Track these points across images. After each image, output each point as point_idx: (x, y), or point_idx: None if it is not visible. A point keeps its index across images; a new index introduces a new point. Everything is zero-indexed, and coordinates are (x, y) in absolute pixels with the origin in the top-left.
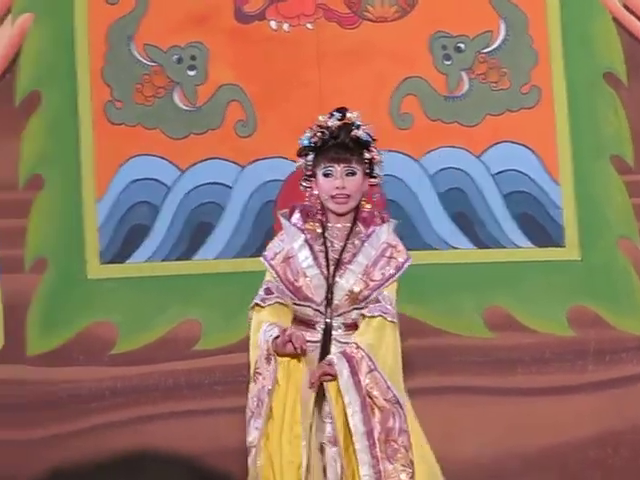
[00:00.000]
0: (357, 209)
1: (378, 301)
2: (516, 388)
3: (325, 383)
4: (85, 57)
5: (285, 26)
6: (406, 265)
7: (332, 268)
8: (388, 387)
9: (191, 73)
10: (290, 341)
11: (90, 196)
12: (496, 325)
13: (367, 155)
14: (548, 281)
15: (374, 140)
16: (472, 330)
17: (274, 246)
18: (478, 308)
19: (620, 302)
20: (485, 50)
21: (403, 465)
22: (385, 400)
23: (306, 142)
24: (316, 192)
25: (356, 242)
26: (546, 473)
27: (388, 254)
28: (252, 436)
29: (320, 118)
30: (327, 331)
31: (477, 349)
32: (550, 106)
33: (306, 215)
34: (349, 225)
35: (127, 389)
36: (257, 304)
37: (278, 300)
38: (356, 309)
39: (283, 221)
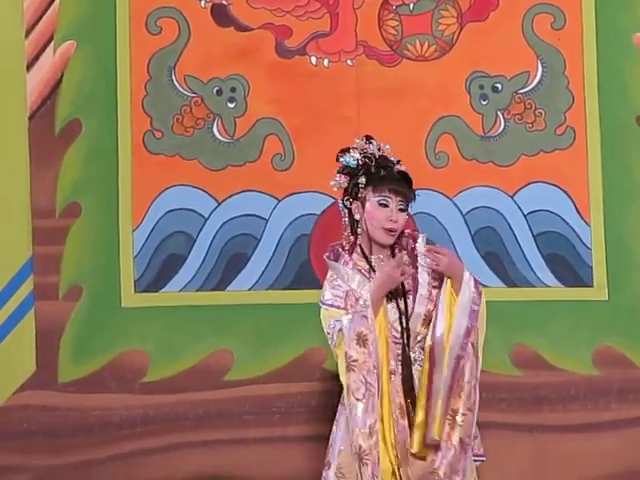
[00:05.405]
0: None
1: None
2: (541, 425)
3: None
4: (126, 86)
5: (325, 62)
6: None
7: (400, 299)
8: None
9: (231, 105)
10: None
11: (127, 225)
12: (523, 363)
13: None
14: (575, 321)
15: None
16: (499, 367)
17: (337, 292)
18: (506, 346)
19: None
20: (522, 90)
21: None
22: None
23: (353, 163)
24: (357, 217)
25: (405, 268)
26: None
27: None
28: (371, 419)
29: (358, 141)
30: (407, 360)
31: (504, 386)
32: (583, 148)
33: (348, 253)
34: (390, 254)
35: (158, 417)
36: (340, 329)
37: None
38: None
39: (333, 264)
